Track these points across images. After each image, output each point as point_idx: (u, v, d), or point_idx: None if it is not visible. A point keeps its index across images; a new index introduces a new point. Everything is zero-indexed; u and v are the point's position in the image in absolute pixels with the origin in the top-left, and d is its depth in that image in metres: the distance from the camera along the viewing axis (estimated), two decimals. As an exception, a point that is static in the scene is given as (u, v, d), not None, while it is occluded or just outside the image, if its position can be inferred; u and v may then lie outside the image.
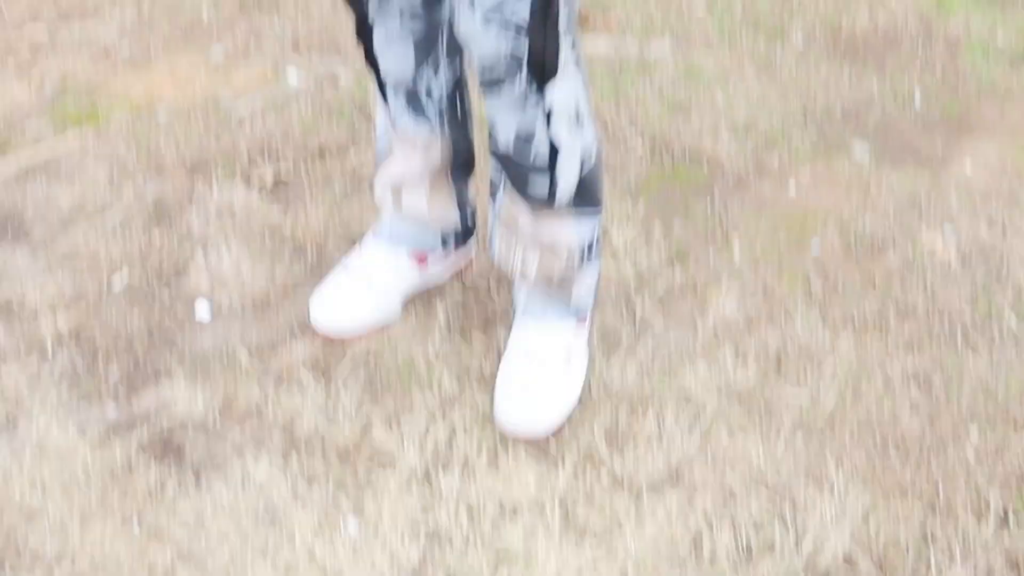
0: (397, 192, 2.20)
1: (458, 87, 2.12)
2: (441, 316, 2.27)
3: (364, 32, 2.02)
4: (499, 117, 1.89)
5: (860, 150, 2.74)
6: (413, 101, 2.09)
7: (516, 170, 1.96)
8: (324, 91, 2.83)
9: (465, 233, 2.32)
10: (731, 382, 2.19)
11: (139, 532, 1.92)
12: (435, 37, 2.02)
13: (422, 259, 2.28)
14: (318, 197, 2.53)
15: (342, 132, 2.70)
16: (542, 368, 2.11)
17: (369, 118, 2.72)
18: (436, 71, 2.06)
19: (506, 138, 1.91)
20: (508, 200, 2.03)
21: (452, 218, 2.25)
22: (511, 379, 2.12)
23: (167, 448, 2.05)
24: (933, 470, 2.07)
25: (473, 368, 2.19)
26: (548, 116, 1.86)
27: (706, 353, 2.24)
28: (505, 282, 2.35)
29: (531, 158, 1.91)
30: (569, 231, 2.02)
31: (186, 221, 2.47)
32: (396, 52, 2.02)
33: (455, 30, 1.84)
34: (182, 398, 2.12)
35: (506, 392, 2.11)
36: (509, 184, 2.00)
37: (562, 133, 1.89)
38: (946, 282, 2.41)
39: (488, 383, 2.16)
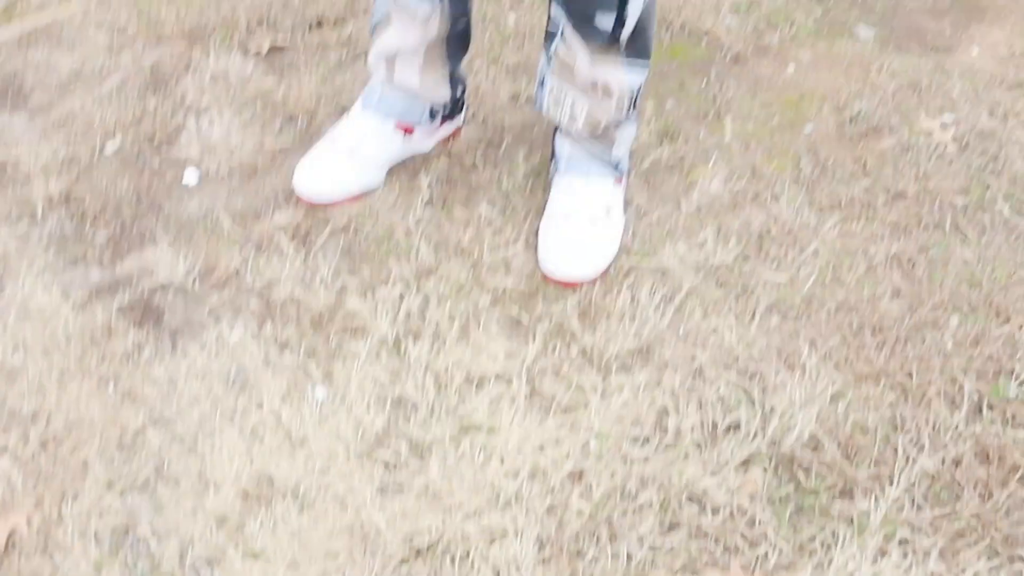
0: (391, 63, 2.20)
1: None
2: (424, 188, 2.28)
3: None
4: None
5: (865, 32, 2.69)
6: None
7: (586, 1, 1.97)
8: (327, -39, 2.82)
9: (454, 108, 2.31)
10: (710, 261, 2.19)
11: (114, 394, 1.96)
12: None
13: (409, 130, 2.28)
14: (312, 66, 2.53)
15: (340, 3, 2.68)
16: (584, 219, 2.17)
17: (368, -11, 2.71)
18: None
19: None
20: (566, 46, 2.04)
21: (443, 94, 2.25)
22: (556, 230, 2.17)
23: (147, 312, 2.09)
24: (909, 356, 2.06)
25: (452, 240, 2.20)
26: None
27: (687, 231, 2.24)
28: (491, 157, 2.35)
29: None
30: (622, 75, 2.06)
31: (181, 88, 2.48)
32: None
33: None
34: (164, 263, 2.15)
35: (550, 242, 2.17)
36: (571, 27, 2.02)
37: None
38: (940, 167, 2.38)
39: (466, 255, 2.17)
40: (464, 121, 2.38)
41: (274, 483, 1.85)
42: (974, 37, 2.70)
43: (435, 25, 2.13)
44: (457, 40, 2.20)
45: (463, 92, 2.32)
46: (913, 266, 2.20)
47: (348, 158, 2.24)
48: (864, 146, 2.41)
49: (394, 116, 2.26)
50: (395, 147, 2.28)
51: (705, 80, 2.54)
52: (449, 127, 2.34)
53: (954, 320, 2.12)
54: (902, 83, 2.55)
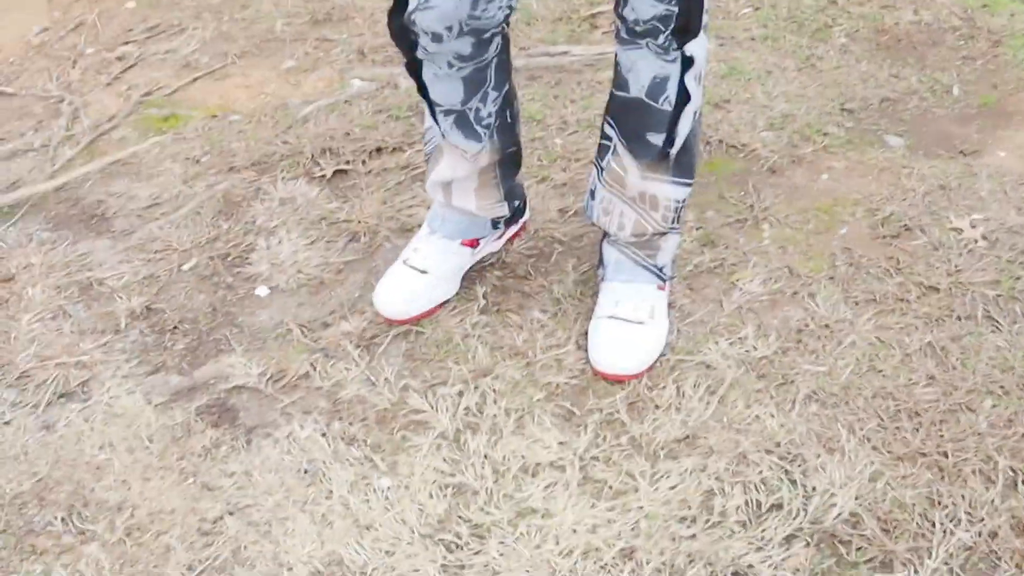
0: (447, 189, 2.35)
1: (507, 104, 2.27)
2: (480, 296, 2.43)
3: (414, 70, 2.17)
4: (638, 64, 2.09)
5: (894, 140, 2.84)
6: (463, 124, 2.23)
7: (640, 118, 2.13)
8: (384, 95, 3.02)
9: (515, 214, 2.47)
10: (751, 355, 2.31)
11: (193, 486, 2.10)
12: (484, 75, 2.17)
13: (474, 243, 2.44)
14: (373, 189, 2.71)
15: (398, 132, 2.88)
16: (630, 321, 2.30)
17: (424, 120, 2.89)
18: (485, 101, 2.21)
19: (641, 84, 2.10)
20: (618, 161, 2.21)
21: (501, 210, 2.40)
22: (604, 330, 2.31)
23: (223, 413, 2.24)
24: (944, 437, 2.16)
25: (507, 342, 2.34)
26: (683, 67, 2.06)
27: (729, 328, 2.36)
28: (541, 267, 2.50)
29: (660, 99, 2.10)
30: (668, 190, 2.22)
31: (252, 212, 2.67)
32: (445, 87, 2.18)
33: None
34: (239, 368, 2.31)
35: (600, 340, 2.30)
36: (622, 145, 2.18)
37: (691, 83, 2.09)
38: (970, 262, 2.49)
39: (520, 356, 2.31)
40: (528, 216, 2.54)
41: (344, 564, 1.97)
42: (1000, 141, 2.84)
43: (485, 156, 2.29)
44: (508, 164, 2.35)
45: (522, 201, 2.48)
46: (947, 354, 2.30)
47: (423, 277, 2.38)
48: (897, 245, 2.54)
49: (459, 236, 2.42)
50: (464, 260, 2.44)
51: (743, 190, 2.69)
52: (514, 228, 2.51)
53: (988, 403, 2.22)
54: (932, 186, 2.68)
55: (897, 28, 3.24)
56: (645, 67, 2.08)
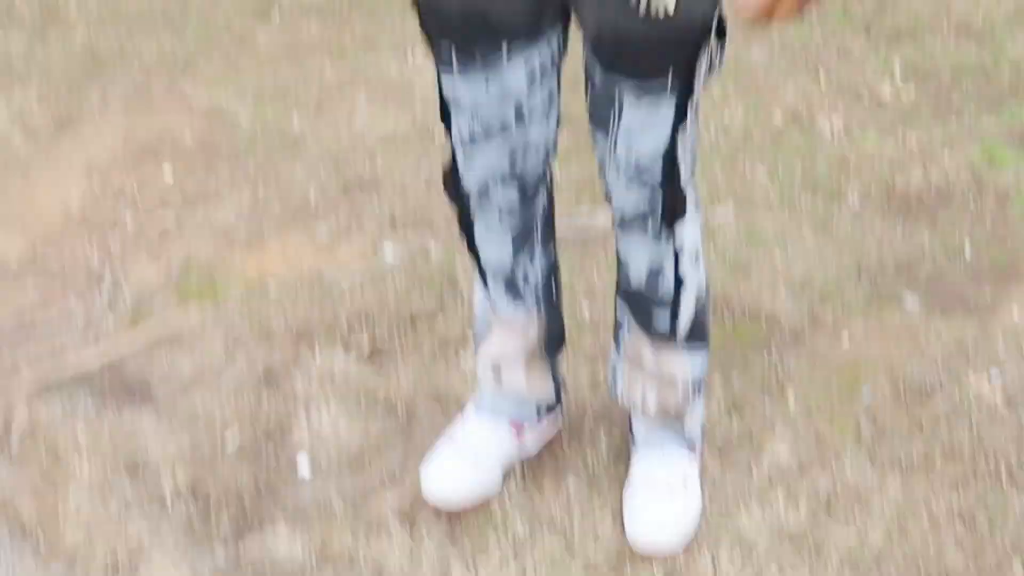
0: (497, 370, 2.43)
1: (552, 271, 2.38)
2: (516, 467, 2.50)
3: (465, 226, 2.28)
4: (633, 255, 2.19)
5: (911, 301, 2.93)
6: (511, 287, 2.33)
7: (644, 305, 2.23)
8: (417, 264, 3.12)
9: (554, 405, 2.55)
10: (783, 523, 2.37)
11: (242, 664, 2.16)
12: (531, 228, 2.27)
13: (519, 428, 2.50)
14: (409, 361, 2.80)
15: (432, 301, 2.97)
16: (664, 493, 2.36)
17: (456, 287, 3.00)
18: (532, 259, 2.31)
19: (638, 275, 2.20)
20: (632, 338, 2.30)
21: (548, 391, 2.48)
22: (638, 504, 2.36)
23: (269, 589, 2.30)
24: (976, 602, 2.22)
25: (543, 513, 2.41)
26: (677, 254, 2.15)
27: (760, 496, 2.43)
28: (574, 435, 2.58)
29: (659, 291, 2.19)
30: (684, 365, 2.29)
31: (291, 384, 2.75)
32: (495, 243, 2.28)
33: (603, 178, 2.13)
34: (283, 543, 2.37)
35: (635, 517, 2.35)
36: (634, 323, 2.28)
37: (687, 268, 2.18)
38: (992, 424, 2.57)
39: (556, 527, 2.37)
40: (562, 420, 2.60)
41: None
42: (1013, 297, 2.93)
43: (533, 330, 2.39)
44: (554, 339, 2.45)
45: (561, 389, 2.55)
46: (974, 518, 2.37)
47: (471, 464, 2.43)
48: (919, 408, 2.62)
49: (506, 415, 2.48)
50: (510, 448, 2.48)
51: (766, 356, 2.77)
52: (552, 428, 2.56)
53: (1017, 565, 2.27)
54: (949, 345, 2.77)
55: (908, 188, 3.35)
56: (639, 257, 2.18)
